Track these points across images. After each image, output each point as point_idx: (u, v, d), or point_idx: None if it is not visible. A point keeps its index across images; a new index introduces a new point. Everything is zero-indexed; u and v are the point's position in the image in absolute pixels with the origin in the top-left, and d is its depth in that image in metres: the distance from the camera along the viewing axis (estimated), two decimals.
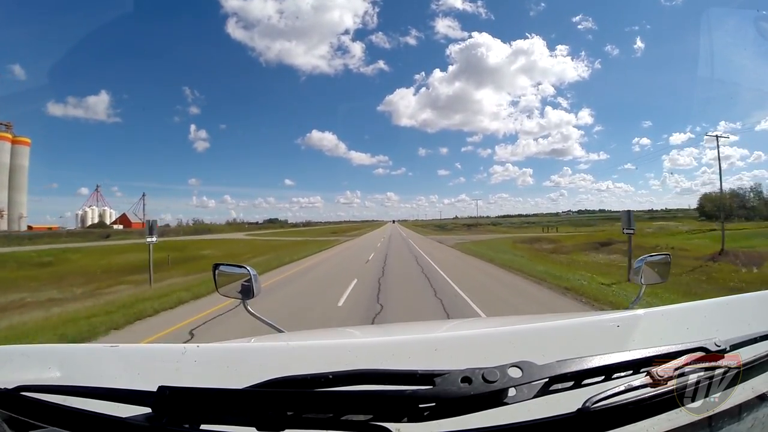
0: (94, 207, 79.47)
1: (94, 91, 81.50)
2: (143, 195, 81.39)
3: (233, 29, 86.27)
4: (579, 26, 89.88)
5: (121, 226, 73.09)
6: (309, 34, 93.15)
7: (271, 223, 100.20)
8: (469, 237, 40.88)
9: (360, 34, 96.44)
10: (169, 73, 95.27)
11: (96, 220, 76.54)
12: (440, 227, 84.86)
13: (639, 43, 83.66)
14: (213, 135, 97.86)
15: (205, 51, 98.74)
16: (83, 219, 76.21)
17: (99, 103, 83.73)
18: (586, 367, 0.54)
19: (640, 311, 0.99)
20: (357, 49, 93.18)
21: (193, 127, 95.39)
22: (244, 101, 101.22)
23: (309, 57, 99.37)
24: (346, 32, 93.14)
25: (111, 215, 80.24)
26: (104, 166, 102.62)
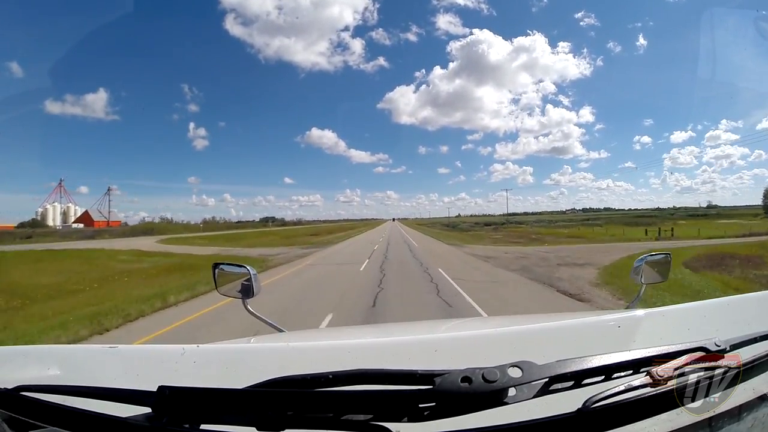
0: (56, 204, 69.42)
1: (92, 88, 79.27)
2: (108, 190, 71.11)
3: (231, 25, 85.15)
4: (581, 23, 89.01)
5: (81, 225, 63.44)
6: (308, 31, 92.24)
7: (267, 221, 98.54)
8: (537, 249, 20.28)
9: (360, 31, 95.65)
10: (168, 71, 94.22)
11: (58, 218, 67.79)
12: (451, 227, 70.48)
13: (641, 41, 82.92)
14: (212, 133, 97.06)
15: (204, 48, 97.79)
16: (44, 217, 66.89)
17: (97, 101, 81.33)
18: (586, 367, 0.54)
19: (641, 311, 1.00)
20: (357, 45, 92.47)
21: (192, 125, 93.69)
22: (243, 99, 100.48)
23: (308, 54, 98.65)
24: (346, 29, 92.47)
25: (76, 212, 70.67)
26: (103, 164, 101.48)
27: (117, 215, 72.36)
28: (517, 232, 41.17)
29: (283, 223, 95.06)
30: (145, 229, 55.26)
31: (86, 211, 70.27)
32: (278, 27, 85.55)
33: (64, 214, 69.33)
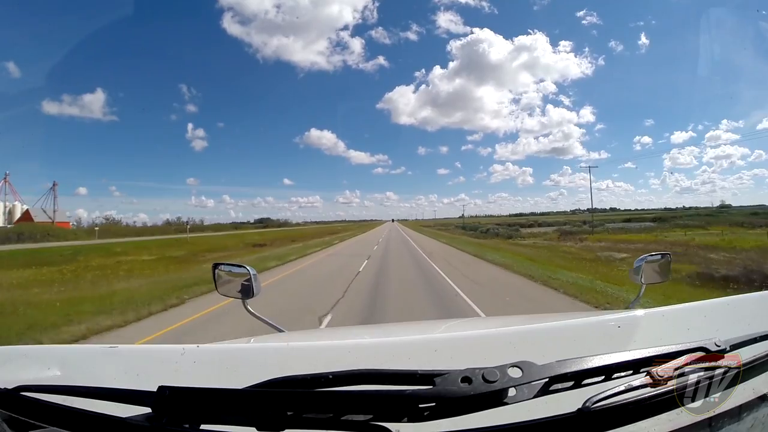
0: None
1: (89, 89, 78.88)
2: (54, 185, 60.31)
3: (229, 24, 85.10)
4: (583, 21, 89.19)
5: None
6: (307, 29, 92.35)
7: (262, 222, 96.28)
8: None
9: (359, 30, 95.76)
10: (166, 71, 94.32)
11: (1, 217, 57.05)
12: (469, 229, 53.90)
13: (643, 40, 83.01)
14: (211, 134, 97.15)
15: (202, 47, 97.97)
16: None
17: (95, 101, 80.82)
18: (586, 367, 0.54)
19: (640, 311, 1.00)
20: (356, 44, 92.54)
21: (190, 125, 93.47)
22: (242, 99, 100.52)
23: (307, 53, 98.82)
24: (345, 27, 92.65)
25: (23, 211, 59.74)
26: (102, 165, 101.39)
27: (64, 214, 61.33)
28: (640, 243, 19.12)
29: (265, 225, 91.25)
30: (9, 234, 37.02)
31: (27, 211, 58.76)
32: (277, 26, 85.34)
33: (10, 213, 58.84)
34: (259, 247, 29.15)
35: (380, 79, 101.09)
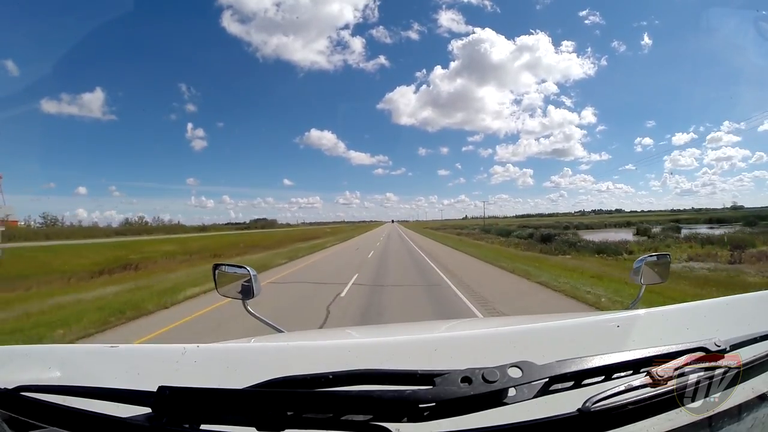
0: None
1: (88, 88, 78.44)
2: None
3: (229, 23, 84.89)
4: (585, 21, 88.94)
5: None
6: (307, 28, 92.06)
7: (257, 222, 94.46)
8: None
9: (360, 29, 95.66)
10: (165, 70, 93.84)
11: None
12: (496, 233, 39.59)
13: (646, 40, 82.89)
14: (210, 133, 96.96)
15: (201, 46, 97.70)
16: None
17: (94, 101, 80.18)
18: (586, 367, 0.54)
19: (640, 311, 1.00)
20: (357, 44, 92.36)
21: (190, 125, 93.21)
22: (242, 99, 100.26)
23: (307, 52, 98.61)
24: (346, 26, 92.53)
25: None
26: (101, 165, 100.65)
27: (10, 212, 46.70)
28: None
29: (247, 227, 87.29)
30: None
31: None
32: (276, 24, 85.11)
33: None
34: (118, 272, 15.07)
35: (381, 79, 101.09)
